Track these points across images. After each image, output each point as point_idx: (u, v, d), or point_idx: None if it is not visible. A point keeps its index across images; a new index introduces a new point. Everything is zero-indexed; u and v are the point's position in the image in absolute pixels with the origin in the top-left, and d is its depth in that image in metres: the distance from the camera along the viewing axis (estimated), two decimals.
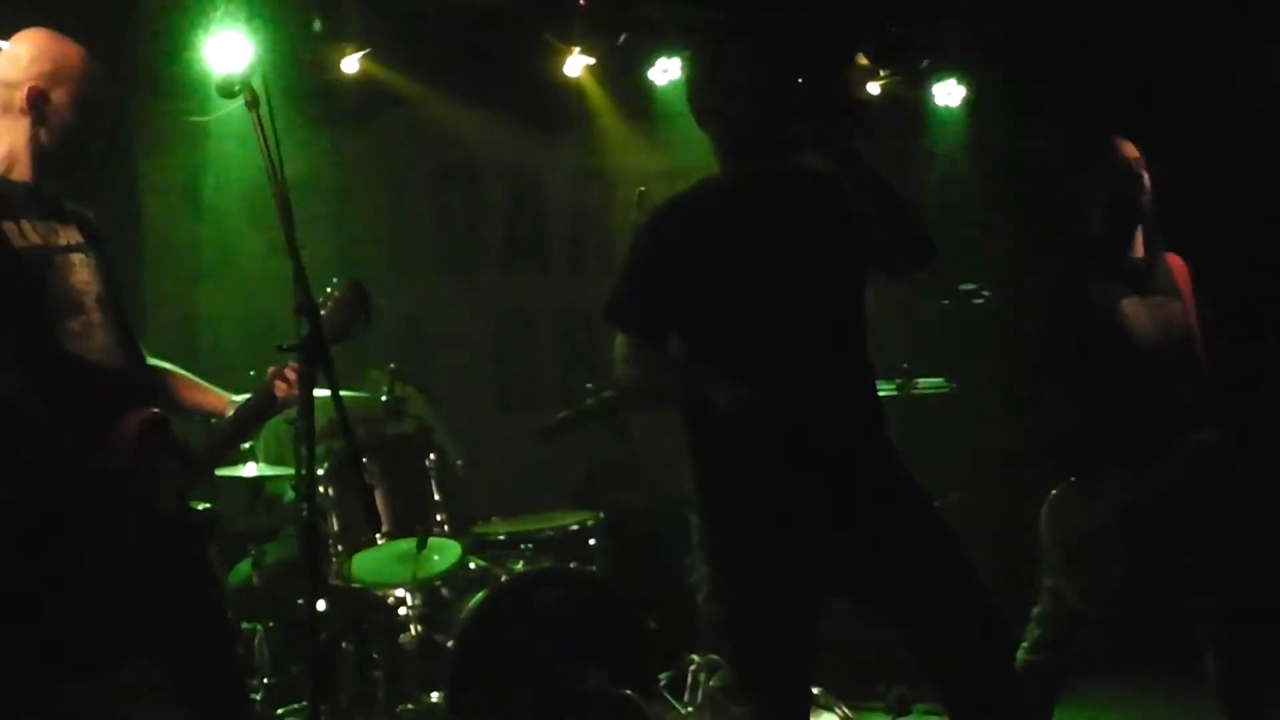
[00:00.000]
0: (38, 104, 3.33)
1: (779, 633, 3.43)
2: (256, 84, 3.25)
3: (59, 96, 3.35)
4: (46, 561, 3.15)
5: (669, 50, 6.70)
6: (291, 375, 3.45)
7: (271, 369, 3.51)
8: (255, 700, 5.01)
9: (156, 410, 3.35)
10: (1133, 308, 4.32)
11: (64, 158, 3.38)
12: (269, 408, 3.51)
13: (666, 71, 6.74)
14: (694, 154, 6.97)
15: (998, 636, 3.45)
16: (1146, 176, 4.34)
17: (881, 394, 3.77)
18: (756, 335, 3.47)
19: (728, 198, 3.57)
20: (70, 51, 3.40)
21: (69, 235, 3.39)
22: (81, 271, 3.36)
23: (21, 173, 3.36)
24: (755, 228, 3.50)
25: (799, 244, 3.50)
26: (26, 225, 3.30)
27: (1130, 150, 4.38)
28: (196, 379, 3.67)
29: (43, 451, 3.18)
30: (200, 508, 3.53)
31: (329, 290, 3.60)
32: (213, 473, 4.62)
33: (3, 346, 3.16)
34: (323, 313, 3.43)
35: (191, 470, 3.43)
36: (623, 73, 6.78)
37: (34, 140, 3.35)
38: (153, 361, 3.61)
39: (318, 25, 6.07)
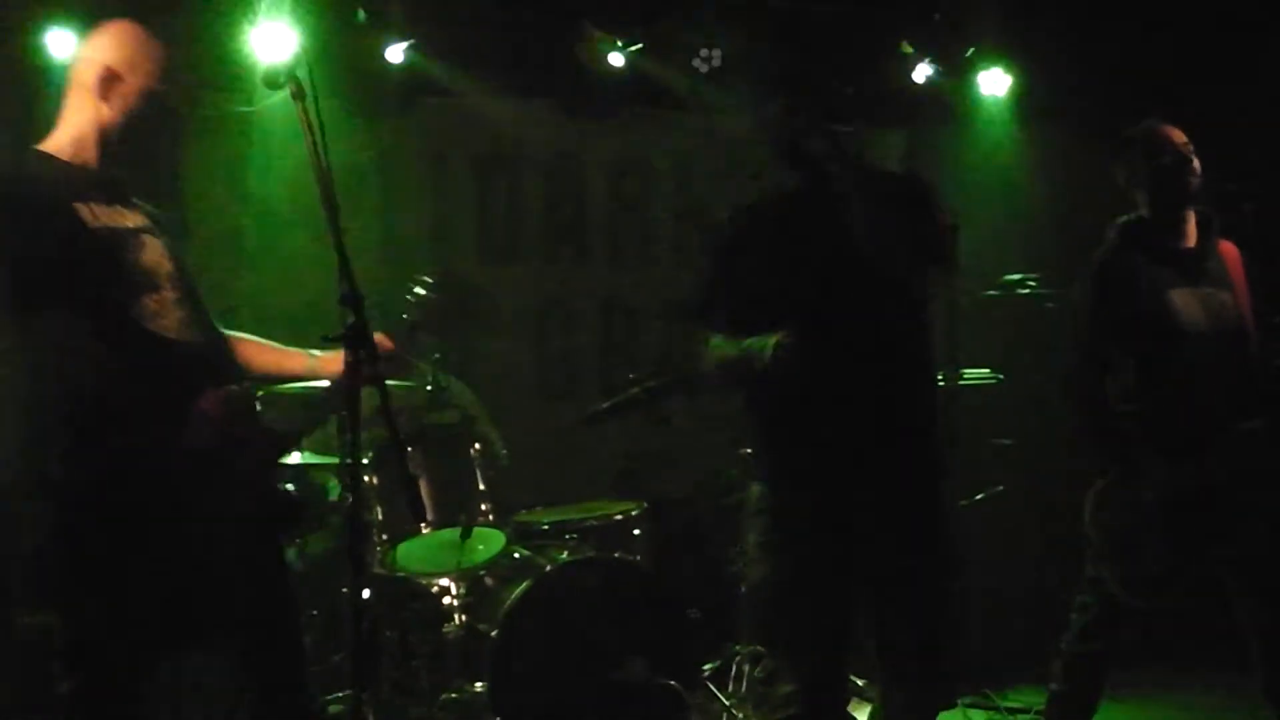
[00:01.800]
0: (108, 83, 3.38)
1: (822, 597, 3.62)
2: (301, 75, 3.27)
3: (130, 81, 3.40)
4: (133, 537, 3.18)
5: (710, 39, 6.67)
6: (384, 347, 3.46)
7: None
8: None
9: (236, 386, 3.36)
10: (1182, 296, 4.28)
11: (125, 144, 3.42)
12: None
13: (709, 60, 6.71)
14: (734, 144, 7.05)
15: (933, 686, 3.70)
16: (1196, 162, 4.30)
17: (933, 380, 3.93)
18: (818, 337, 3.56)
19: (798, 202, 3.73)
20: (150, 44, 3.46)
21: (135, 219, 3.44)
22: (152, 251, 3.40)
23: (88, 156, 3.40)
24: (824, 233, 3.64)
25: (846, 250, 3.60)
26: (100, 207, 3.34)
27: (1178, 135, 4.34)
28: (271, 343, 3.70)
29: (121, 430, 3.21)
30: (286, 489, 3.55)
31: (419, 291, 3.59)
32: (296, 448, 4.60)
33: (81, 324, 3.21)
34: (424, 299, 3.48)
35: (274, 447, 3.42)
36: (664, 61, 6.76)
37: (99, 122, 3.39)
38: (227, 332, 3.64)
39: (361, 15, 6.09)
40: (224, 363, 3.47)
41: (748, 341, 3.62)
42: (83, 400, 3.21)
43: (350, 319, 3.18)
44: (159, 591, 3.19)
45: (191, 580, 3.22)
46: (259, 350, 3.70)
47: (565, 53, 6.55)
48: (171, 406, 3.25)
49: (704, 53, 6.74)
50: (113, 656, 3.23)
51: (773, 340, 3.52)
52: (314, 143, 3.17)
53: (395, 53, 6.22)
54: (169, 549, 3.19)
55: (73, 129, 3.40)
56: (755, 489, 3.80)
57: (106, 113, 3.39)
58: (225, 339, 3.58)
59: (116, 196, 3.42)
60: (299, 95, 3.24)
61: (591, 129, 7.00)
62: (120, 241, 3.33)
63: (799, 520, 3.64)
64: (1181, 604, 4.27)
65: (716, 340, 3.77)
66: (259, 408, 3.45)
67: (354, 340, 3.18)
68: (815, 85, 3.74)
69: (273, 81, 3.33)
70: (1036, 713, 5.33)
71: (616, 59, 6.60)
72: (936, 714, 3.79)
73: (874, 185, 3.62)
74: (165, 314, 3.35)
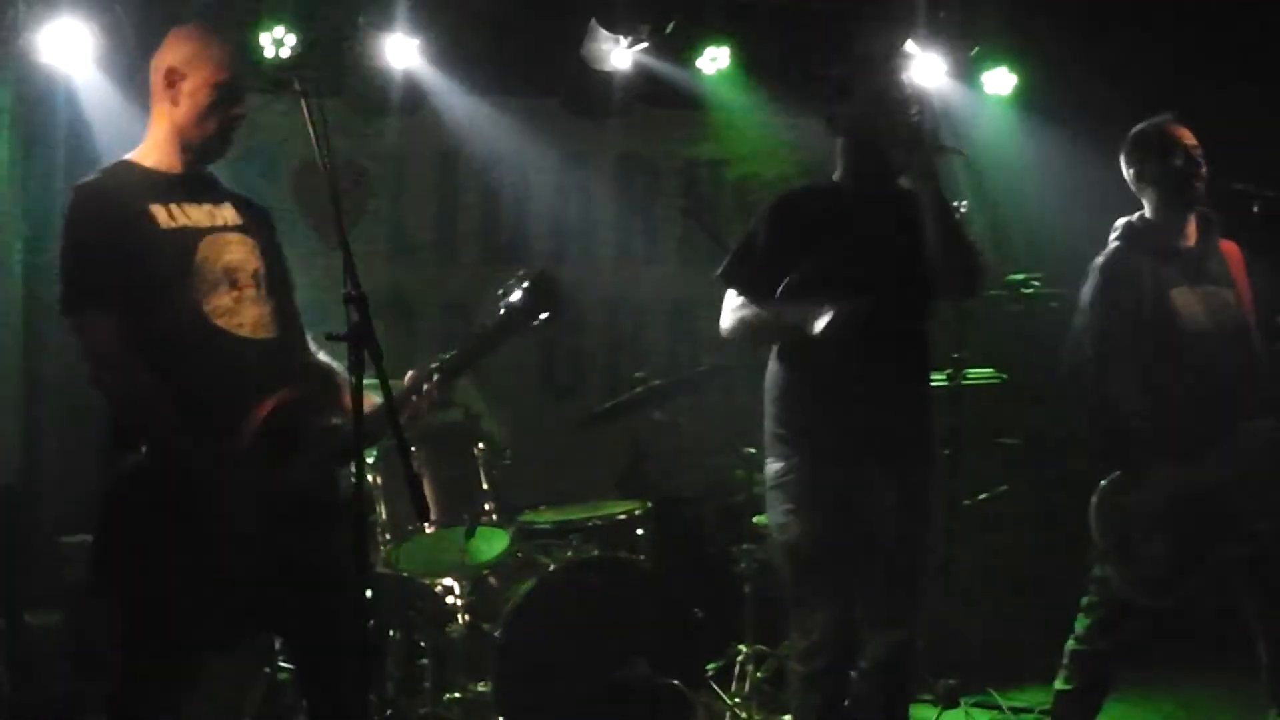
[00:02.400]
0: (173, 83, 3.44)
1: (840, 561, 3.99)
2: (306, 74, 3.28)
3: (193, 78, 3.44)
4: (180, 531, 3.21)
5: (717, 39, 6.67)
6: (428, 393, 3.44)
7: (411, 375, 3.50)
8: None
9: (292, 389, 3.37)
10: (1184, 296, 4.29)
11: (201, 139, 3.45)
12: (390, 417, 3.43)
13: (714, 60, 6.71)
14: (739, 143, 7.05)
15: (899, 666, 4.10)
16: (1204, 166, 4.30)
17: (933, 384, 4.30)
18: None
19: (838, 200, 4.08)
20: (208, 39, 3.50)
21: (225, 216, 3.48)
22: (237, 249, 3.45)
23: (169, 160, 3.45)
24: (854, 231, 4.00)
25: (887, 252, 4.00)
26: (178, 208, 3.40)
27: (1189, 137, 4.34)
28: (341, 374, 3.58)
29: (158, 436, 3.25)
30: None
31: (514, 280, 3.56)
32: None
33: (133, 323, 3.28)
34: (504, 301, 3.47)
35: (336, 448, 3.37)
36: (671, 61, 6.75)
37: (173, 123, 3.45)
38: (324, 359, 3.64)
39: (366, 16, 6.08)
40: (295, 364, 3.47)
41: (781, 309, 4.01)
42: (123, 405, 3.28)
43: (353, 318, 3.19)
44: (202, 589, 3.20)
45: (234, 578, 3.23)
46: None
47: (572, 52, 6.55)
48: (232, 402, 3.29)
49: (710, 52, 6.74)
50: (158, 652, 3.26)
51: (825, 309, 3.84)
52: (318, 143, 3.18)
53: (398, 54, 6.22)
54: (213, 545, 3.21)
55: (153, 136, 3.48)
56: (774, 464, 4.11)
57: (178, 113, 3.44)
58: (304, 342, 3.57)
59: (204, 194, 3.48)
60: (303, 95, 3.25)
61: (598, 128, 7.00)
62: (194, 240, 3.38)
63: (825, 488, 3.99)
64: (1188, 604, 4.28)
65: (735, 300, 4.13)
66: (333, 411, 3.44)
67: (357, 339, 3.19)
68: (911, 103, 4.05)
69: (277, 81, 3.34)
70: (1041, 712, 5.33)
71: (623, 58, 6.60)
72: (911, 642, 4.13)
73: (944, 207, 3.98)
74: (240, 311, 3.38)
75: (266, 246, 3.52)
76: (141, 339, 3.31)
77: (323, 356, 3.67)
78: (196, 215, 3.42)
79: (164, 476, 3.24)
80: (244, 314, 3.39)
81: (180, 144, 3.46)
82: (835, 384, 3.98)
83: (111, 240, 3.31)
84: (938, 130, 4.15)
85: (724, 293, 4.17)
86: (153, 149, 3.47)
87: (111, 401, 3.33)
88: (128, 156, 3.50)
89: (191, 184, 3.47)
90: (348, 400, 3.40)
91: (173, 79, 3.44)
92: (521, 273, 3.60)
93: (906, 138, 3.96)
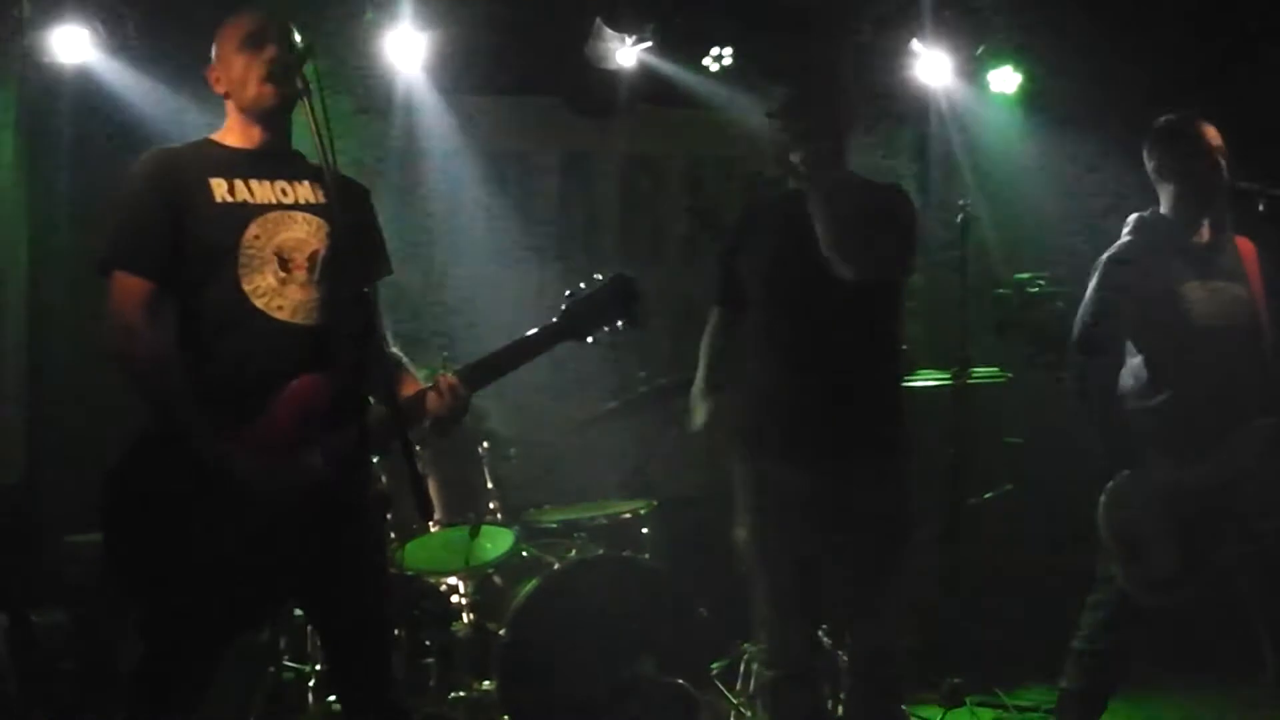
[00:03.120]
0: (217, 78, 3.47)
1: (792, 569, 4.06)
2: (309, 72, 3.27)
3: (225, 64, 3.44)
4: (191, 520, 3.18)
5: (721, 38, 6.67)
6: (445, 387, 3.41)
7: (440, 376, 3.46)
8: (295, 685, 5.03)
9: (318, 377, 3.31)
10: (1195, 291, 4.26)
11: (254, 100, 3.41)
12: (413, 416, 3.42)
13: (719, 59, 6.70)
14: (743, 141, 7.04)
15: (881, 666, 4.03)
16: (1225, 164, 4.28)
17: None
18: (798, 323, 4.05)
19: (796, 202, 4.01)
20: (230, 22, 3.48)
21: (300, 193, 3.45)
22: (299, 229, 3.40)
23: (244, 138, 3.45)
24: (811, 229, 3.93)
25: (843, 247, 3.91)
26: (243, 183, 3.38)
27: (1214, 136, 4.31)
28: (411, 373, 3.60)
29: (173, 423, 3.22)
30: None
31: (594, 278, 3.55)
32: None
33: (172, 297, 3.28)
34: (574, 302, 3.46)
35: (366, 439, 3.33)
36: (675, 60, 6.75)
37: (234, 106, 3.46)
38: (395, 353, 3.61)
39: (370, 15, 6.08)
40: (337, 352, 3.37)
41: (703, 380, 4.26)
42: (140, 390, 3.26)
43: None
44: (218, 575, 3.18)
45: (252, 564, 3.20)
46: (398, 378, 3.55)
47: (577, 51, 6.55)
48: (255, 385, 3.26)
49: (715, 51, 6.74)
50: (176, 639, 3.24)
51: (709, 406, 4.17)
52: (321, 140, 3.17)
53: (404, 51, 6.22)
54: (230, 529, 3.18)
55: (228, 122, 3.49)
56: (737, 466, 4.18)
57: (232, 94, 3.45)
58: (363, 329, 3.39)
59: (279, 171, 3.44)
60: (305, 93, 3.24)
61: (602, 127, 6.99)
62: (248, 217, 3.34)
63: (774, 492, 4.05)
64: (1195, 603, 4.27)
65: (714, 323, 4.29)
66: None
67: (359, 339, 3.19)
68: (805, 100, 4.02)
69: (280, 78, 3.34)
70: (1046, 711, 5.33)
71: (627, 57, 6.59)
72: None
73: (842, 196, 3.91)
74: (284, 294, 3.33)
75: (344, 229, 3.36)
76: (179, 314, 3.29)
77: (395, 349, 3.63)
78: (262, 192, 3.39)
79: (168, 453, 3.20)
80: (287, 297, 3.33)
81: (246, 120, 3.44)
82: (784, 382, 4.05)
83: (160, 206, 3.29)
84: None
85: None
86: (228, 130, 3.48)
87: (121, 370, 3.26)
88: (210, 136, 3.51)
89: (267, 160, 3.44)
90: (408, 390, 3.45)
91: (216, 74, 3.47)
92: (599, 276, 3.57)
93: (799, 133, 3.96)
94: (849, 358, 4.02)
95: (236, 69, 3.41)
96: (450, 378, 3.42)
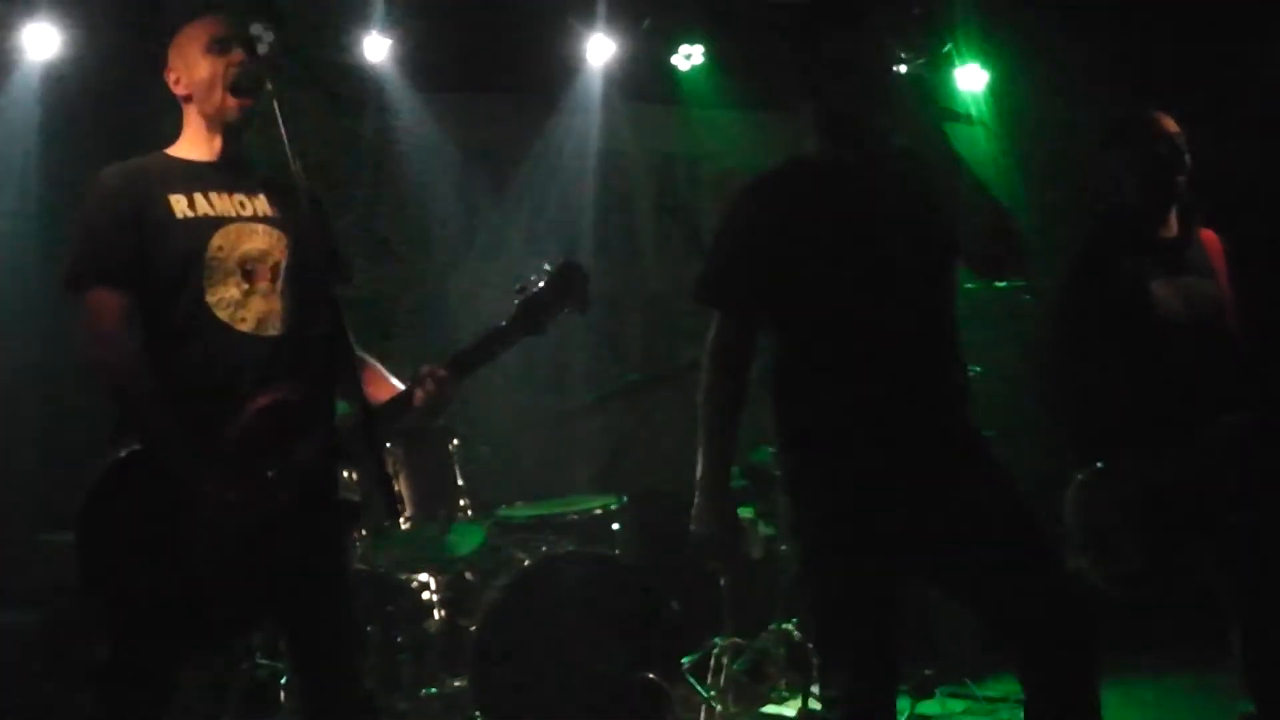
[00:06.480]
0: (177, 80, 3.45)
1: (865, 612, 3.39)
2: (275, 76, 3.29)
3: (188, 67, 3.42)
4: (161, 532, 3.18)
5: (692, 36, 6.69)
6: (435, 380, 3.41)
7: (424, 369, 3.44)
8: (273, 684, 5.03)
9: (283, 388, 3.31)
10: (1163, 287, 4.26)
11: (216, 107, 3.40)
12: (401, 412, 3.44)
13: (689, 57, 6.73)
14: (715, 138, 7.06)
15: (1080, 620, 3.39)
16: (1188, 156, 4.29)
17: (965, 373, 3.67)
18: (845, 315, 3.41)
19: (820, 177, 3.49)
20: (187, 29, 3.47)
21: (256, 206, 3.44)
22: (260, 240, 3.40)
23: (201, 149, 3.44)
24: (847, 208, 3.43)
25: (890, 225, 3.41)
26: (202, 196, 3.37)
27: (1171, 125, 4.31)
28: (382, 372, 3.59)
29: (145, 432, 3.22)
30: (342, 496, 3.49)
31: (545, 268, 3.54)
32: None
33: (139, 312, 3.26)
34: (528, 292, 3.45)
35: (334, 450, 3.34)
36: (646, 57, 6.76)
37: (194, 112, 3.44)
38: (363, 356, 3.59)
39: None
40: (304, 362, 3.37)
41: (709, 456, 3.50)
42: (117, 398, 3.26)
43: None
44: (181, 584, 3.17)
45: (216, 574, 3.20)
46: (369, 378, 3.52)
47: (549, 48, 6.56)
48: (220, 397, 3.26)
49: (685, 49, 6.76)
50: (142, 648, 3.24)
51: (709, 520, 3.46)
52: (289, 140, 3.18)
53: (375, 49, 6.22)
54: (192, 540, 3.18)
55: (185, 131, 3.48)
56: (780, 468, 3.62)
57: (192, 100, 3.44)
58: (328, 337, 3.36)
59: (237, 183, 3.43)
60: (273, 95, 3.25)
61: (575, 124, 7.00)
62: (210, 230, 3.34)
63: (831, 538, 3.40)
64: (1163, 596, 4.29)
65: (721, 335, 3.51)
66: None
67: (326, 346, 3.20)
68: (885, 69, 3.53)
69: (251, 78, 3.34)
70: (1015, 701, 5.34)
71: (599, 54, 6.61)
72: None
73: (956, 159, 3.40)
74: (248, 305, 3.33)
75: (301, 238, 3.40)
76: (145, 328, 3.29)
77: (368, 356, 3.62)
78: (222, 204, 3.38)
79: (151, 466, 3.21)
80: (250, 308, 3.34)
81: (207, 128, 3.44)
82: (846, 380, 3.42)
83: (122, 222, 3.29)
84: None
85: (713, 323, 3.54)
86: (185, 141, 3.46)
87: (101, 379, 3.26)
88: (166, 150, 3.49)
89: (224, 173, 3.43)
90: (378, 394, 3.45)
91: (176, 75, 3.44)
92: (545, 265, 3.55)
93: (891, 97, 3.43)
94: (928, 346, 3.47)
95: (200, 72, 3.40)
96: (439, 369, 3.42)
